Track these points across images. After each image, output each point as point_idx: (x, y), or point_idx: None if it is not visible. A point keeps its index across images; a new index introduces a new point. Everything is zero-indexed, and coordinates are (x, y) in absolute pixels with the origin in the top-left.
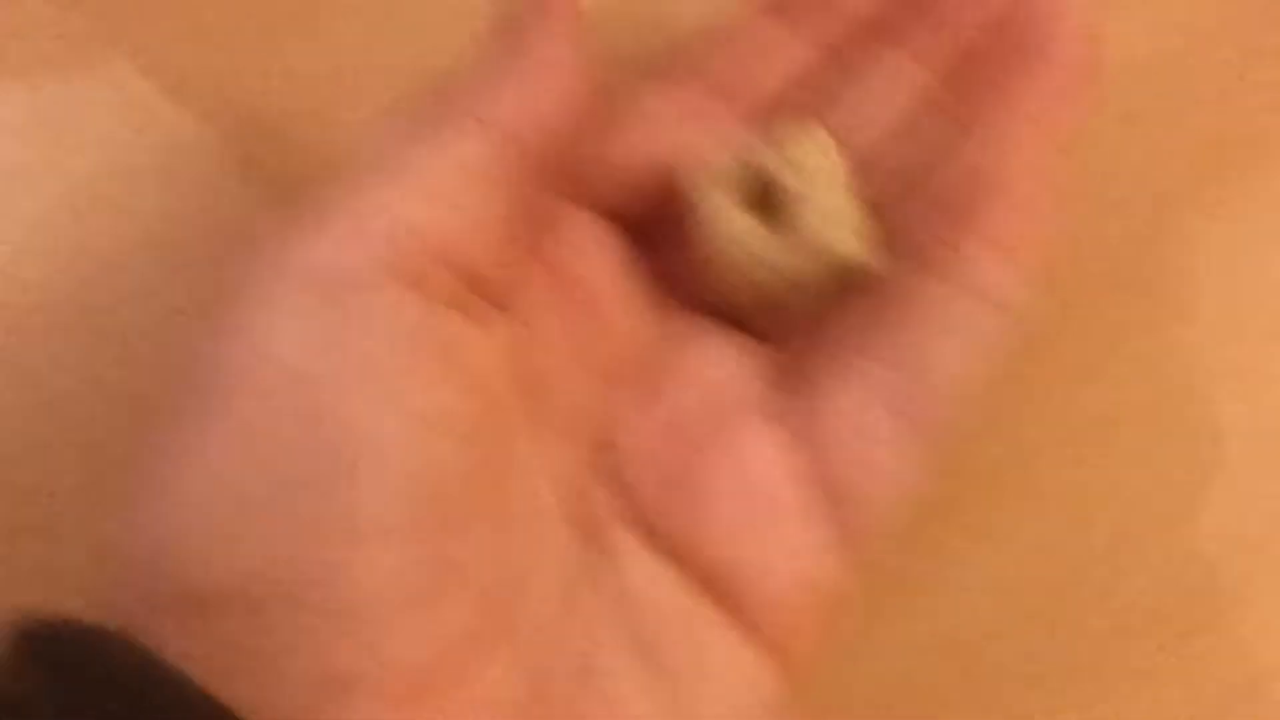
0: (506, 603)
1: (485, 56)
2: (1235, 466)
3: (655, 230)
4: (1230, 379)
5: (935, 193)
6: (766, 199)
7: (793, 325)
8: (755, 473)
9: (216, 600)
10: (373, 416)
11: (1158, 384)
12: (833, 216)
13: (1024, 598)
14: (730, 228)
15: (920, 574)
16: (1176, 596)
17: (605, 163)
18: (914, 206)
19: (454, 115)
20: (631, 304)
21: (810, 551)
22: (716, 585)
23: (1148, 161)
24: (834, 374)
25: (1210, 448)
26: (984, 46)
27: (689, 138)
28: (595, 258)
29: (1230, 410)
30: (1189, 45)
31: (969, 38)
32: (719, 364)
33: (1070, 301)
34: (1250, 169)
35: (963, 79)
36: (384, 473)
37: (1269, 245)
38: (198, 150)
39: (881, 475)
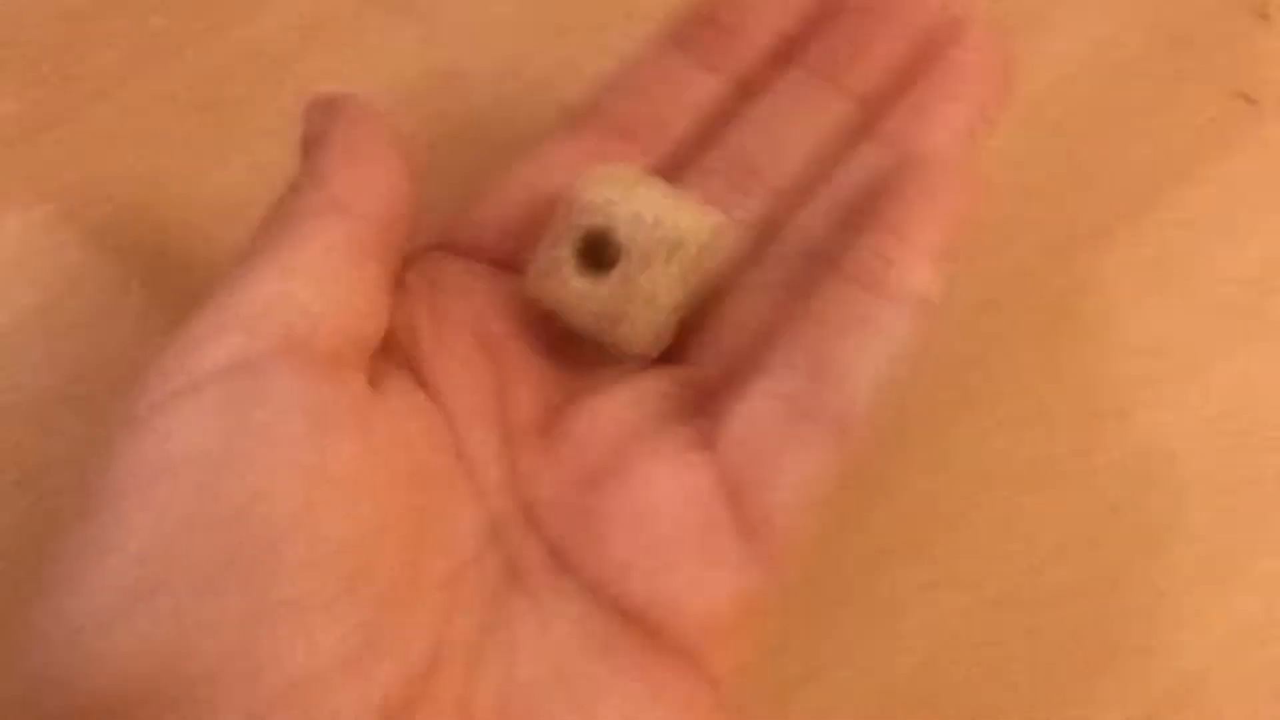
0: (435, 659)
1: (313, 156)
2: (1169, 490)
3: None
4: (1157, 405)
5: (844, 200)
6: (599, 242)
7: (697, 344)
8: (659, 501)
9: (137, 699)
10: (289, 493)
11: (1088, 417)
12: (646, 217)
13: (967, 636)
14: (582, 304)
15: (861, 616)
16: (1121, 624)
17: (497, 211)
18: (824, 219)
19: (309, 205)
20: (531, 351)
21: (722, 568)
22: (637, 618)
23: (1064, 194)
24: (741, 384)
25: (1144, 476)
26: (897, 65)
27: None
28: (491, 311)
29: (1160, 434)
30: (1103, 73)
31: (881, 57)
32: (620, 399)
33: (998, 339)
34: (1164, 192)
35: (877, 98)
36: (308, 547)
37: (1186, 267)
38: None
39: (789, 480)
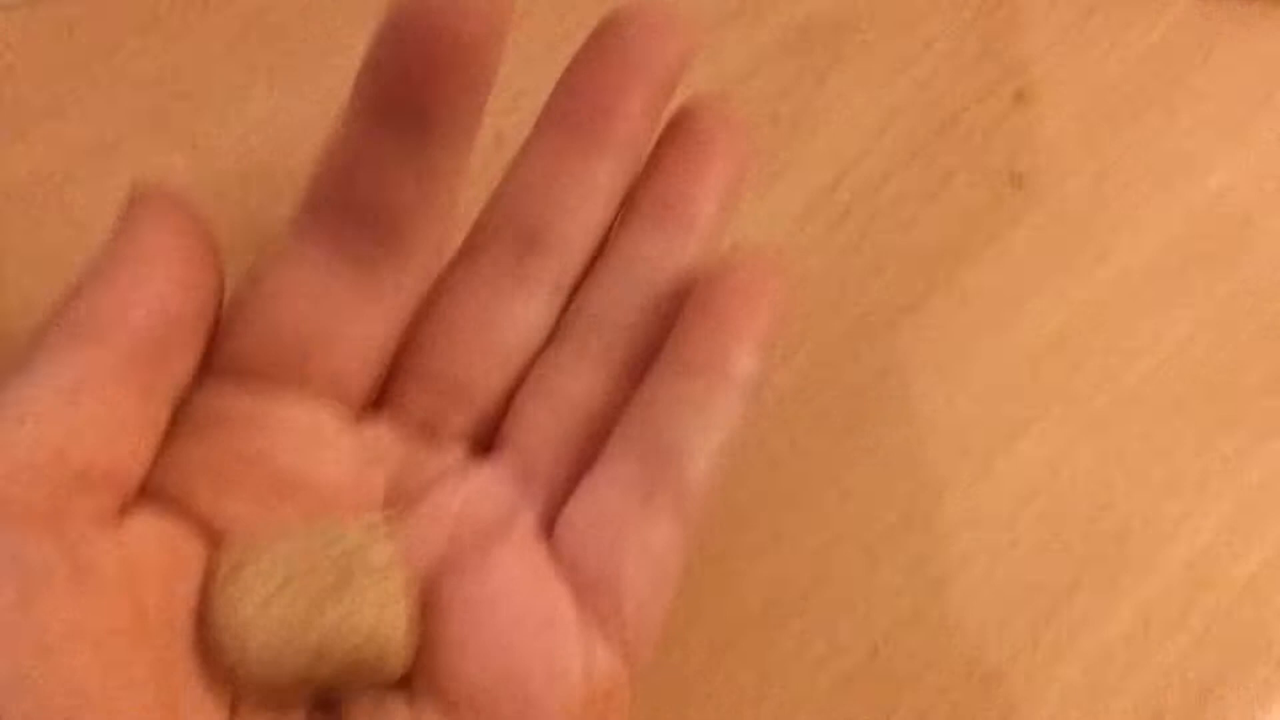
0: None
1: (93, 267)
2: (987, 568)
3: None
4: (968, 484)
5: (650, 284)
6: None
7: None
8: (498, 593)
9: None
10: (47, 677)
11: (904, 500)
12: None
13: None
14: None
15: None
16: (961, 705)
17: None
18: (629, 302)
19: (62, 334)
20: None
21: (571, 658)
22: (479, 712)
23: (854, 281)
24: (577, 470)
25: (963, 555)
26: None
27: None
28: (295, 435)
29: (973, 514)
30: (881, 159)
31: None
32: (449, 494)
33: (807, 431)
34: (948, 275)
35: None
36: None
37: (977, 347)
38: None
39: (635, 565)
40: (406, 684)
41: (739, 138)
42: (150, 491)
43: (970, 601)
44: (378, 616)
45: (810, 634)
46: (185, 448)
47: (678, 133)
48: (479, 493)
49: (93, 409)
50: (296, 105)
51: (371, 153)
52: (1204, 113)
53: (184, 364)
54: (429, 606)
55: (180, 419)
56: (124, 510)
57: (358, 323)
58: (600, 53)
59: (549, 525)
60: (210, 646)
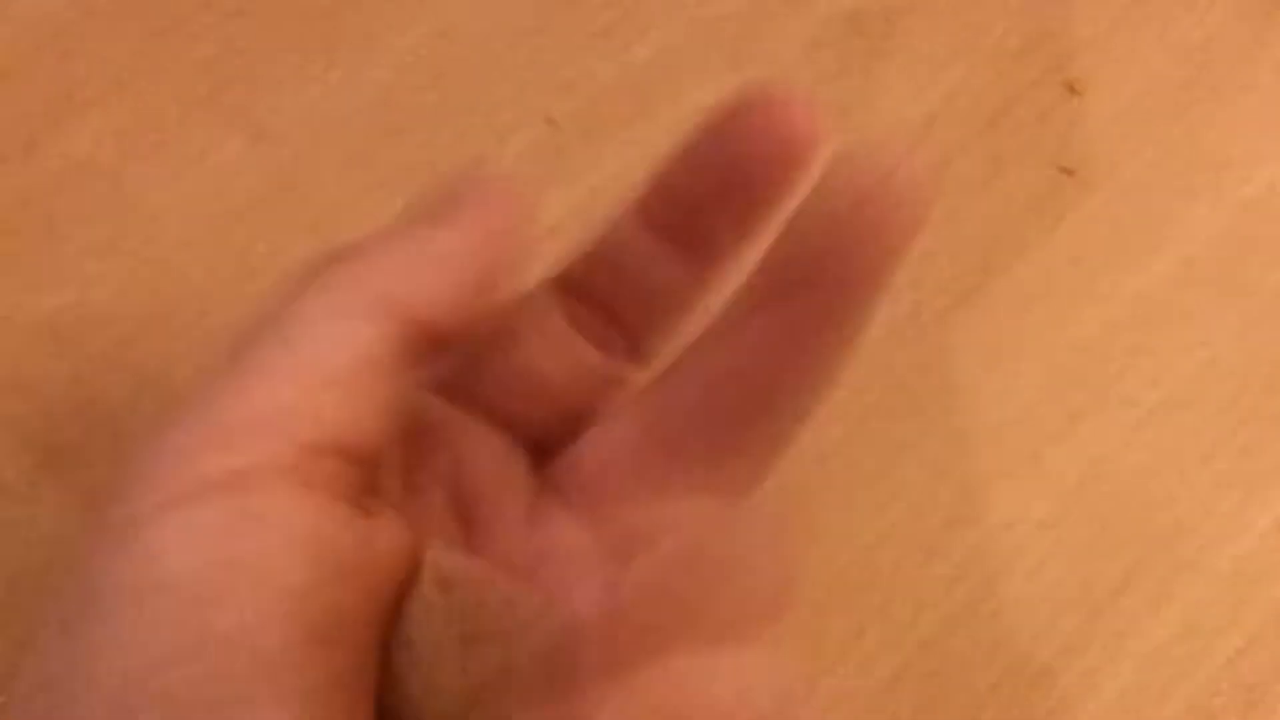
0: None
1: (400, 231)
2: (1033, 565)
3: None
4: (1015, 479)
5: None
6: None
7: None
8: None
9: None
10: (269, 632)
11: (953, 496)
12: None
13: None
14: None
15: None
16: (1009, 695)
17: (509, 374)
18: None
19: (361, 297)
20: (515, 520)
21: None
22: None
23: (901, 274)
24: None
25: (1009, 552)
26: None
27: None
28: (487, 472)
29: (1020, 510)
30: (929, 152)
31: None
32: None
33: (857, 424)
34: (998, 268)
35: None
36: (281, 692)
37: (1026, 340)
38: None
39: None
40: None
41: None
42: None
43: (1020, 599)
44: None
45: (859, 630)
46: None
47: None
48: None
49: (376, 391)
50: (355, 85)
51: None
52: (1256, 104)
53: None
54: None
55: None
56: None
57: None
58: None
59: None
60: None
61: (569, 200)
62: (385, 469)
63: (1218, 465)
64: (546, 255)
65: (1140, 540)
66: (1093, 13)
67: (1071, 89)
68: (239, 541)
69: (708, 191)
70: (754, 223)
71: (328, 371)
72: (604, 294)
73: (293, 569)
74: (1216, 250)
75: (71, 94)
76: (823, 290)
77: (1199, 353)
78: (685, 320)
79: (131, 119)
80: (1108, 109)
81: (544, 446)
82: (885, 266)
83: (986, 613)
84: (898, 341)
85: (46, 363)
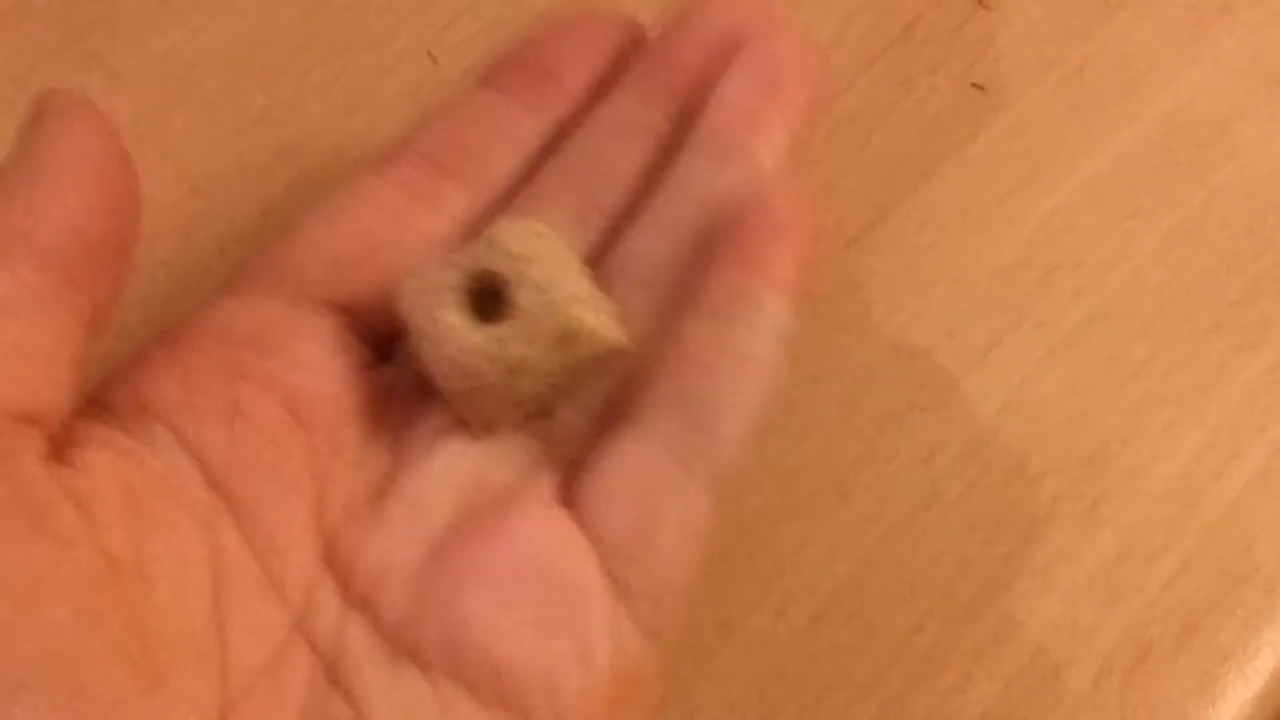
0: None
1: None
2: (963, 489)
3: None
4: (939, 405)
5: (687, 228)
6: (488, 296)
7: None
8: (522, 563)
9: None
10: None
11: (877, 421)
12: (556, 293)
13: (788, 661)
14: (449, 337)
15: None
16: (952, 623)
17: (322, 256)
18: (667, 248)
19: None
20: (361, 414)
21: (600, 635)
22: (499, 701)
23: (816, 195)
24: (615, 438)
25: (934, 478)
26: (711, 78)
27: (413, 222)
28: (304, 370)
29: (946, 434)
30: (835, 70)
31: (696, 75)
32: (469, 455)
33: None
34: (913, 187)
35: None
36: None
37: (946, 260)
38: None
39: (670, 538)
40: (425, 663)
41: (811, 64)
42: (103, 415)
43: (942, 533)
44: (521, 365)
45: (774, 572)
46: (169, 362)
47: (747, 59)
48: (496, 451)
49: (23, 333)
50: (222, 26)
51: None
52: (1173, 14)
53: (104, 287)
54: (450, 575)
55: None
56: (66, 445)
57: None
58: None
59: (568, 490)
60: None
61: None
62: (180, 400)
63: (1143, 384)
64: None
65: (1065, 465)
66: None
67: (980, 2)
68: None
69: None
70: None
71: None
72: (440, 155)
73: (19, 562)
74: (1134, 165)
75: None
76: None
77: (1119, 270)
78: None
79: None
80: (1020, 21)
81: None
82: None
83: (906, 549)
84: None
85: None
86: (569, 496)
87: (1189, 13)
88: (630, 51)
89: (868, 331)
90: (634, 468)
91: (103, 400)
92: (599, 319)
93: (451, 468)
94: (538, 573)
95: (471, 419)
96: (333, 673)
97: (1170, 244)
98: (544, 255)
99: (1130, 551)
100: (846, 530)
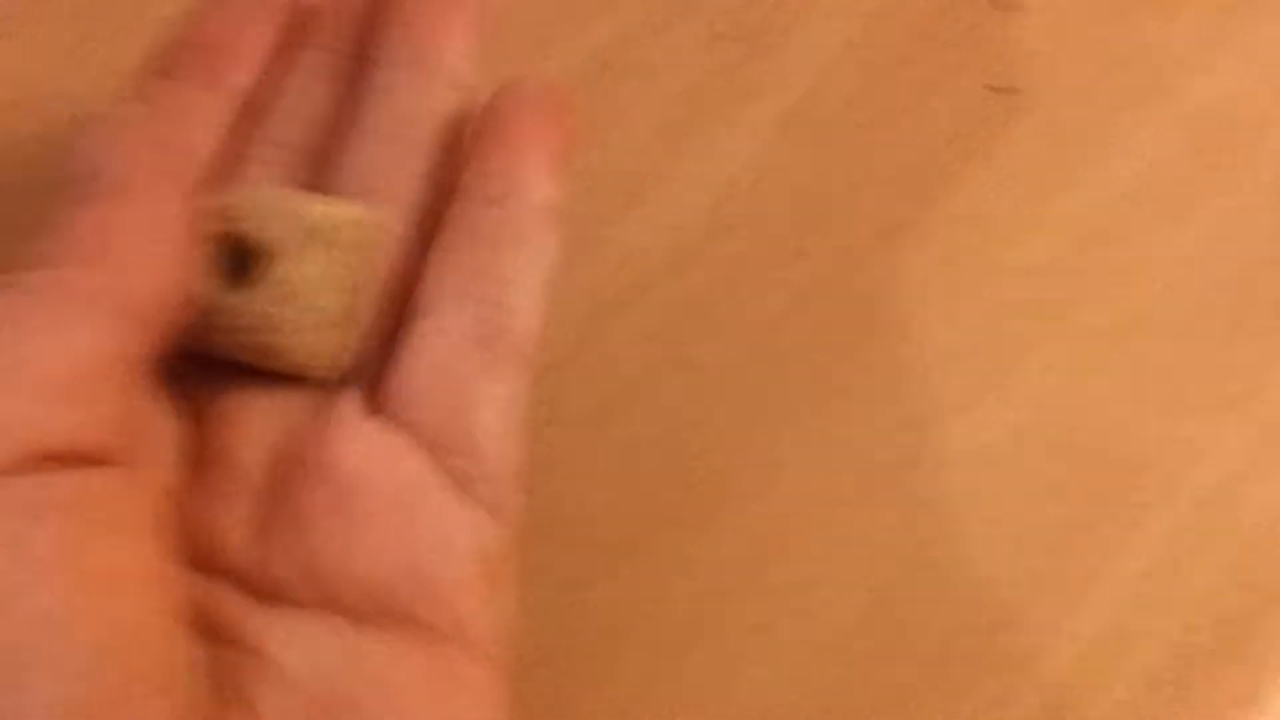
0: None
1: (74, 222)
2: (986, 497)
3: None
4: (964, 411)
5: (406, 137)
6: (237, 263)
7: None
8: (357, 480)
9: None
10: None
11: (903, 427)
12: (299, 211)
13: (809, 672)
14: (228, 301)
15: (699, 663)
16: (969, 637)
17: None
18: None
19: (65, 299)
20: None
21: (451, 526)
22: (382, 615)
23: (840, 199)
24: (409, 335)
25: (961, 485)
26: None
27: None
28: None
29: (971, 443)
30: (858, 74)
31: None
32: (272, 397)
33: (809, 350)
34: (938, 191)
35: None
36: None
37: (974, 264)
38: None
39: (487, 417)
40: (300, 604)
41: None
42: None
43: (977, 542)
44: (313, 290)
45: (804, 580)
46: None
47: None
48: (290, 401)
49: (90, 388)
50: None
51: None
52: (1203, 13)
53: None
54: (289, 518)
55: None
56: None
57: None
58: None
59: (375, 400)
60: None
61: None
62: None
63: (1181, 389)
64: None
65: (1103, 472)
66: None
67: (1001, 3)
68: None
69: None
70: None
71: (51, 382)
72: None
73: (53, 537)
74: (1164, 167)
75: None
76: None
77: (1154, 273)
78: None
79: None
80: (1041, 20)
81: None
82: None
83: (942, 557)
84: (830, 279)
85: None
86: (378, 404)
87: (1217, 11)
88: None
89: (899, 336)
90: (436, 359)
91: None
92: (342, 208)
93: (255, 421)
94: (369, 485)
95: (296, 371)
96: (221, 637)
97: (1206, 247)
98: (262, 195)
99: (1173, 560)
100: (881, 536)
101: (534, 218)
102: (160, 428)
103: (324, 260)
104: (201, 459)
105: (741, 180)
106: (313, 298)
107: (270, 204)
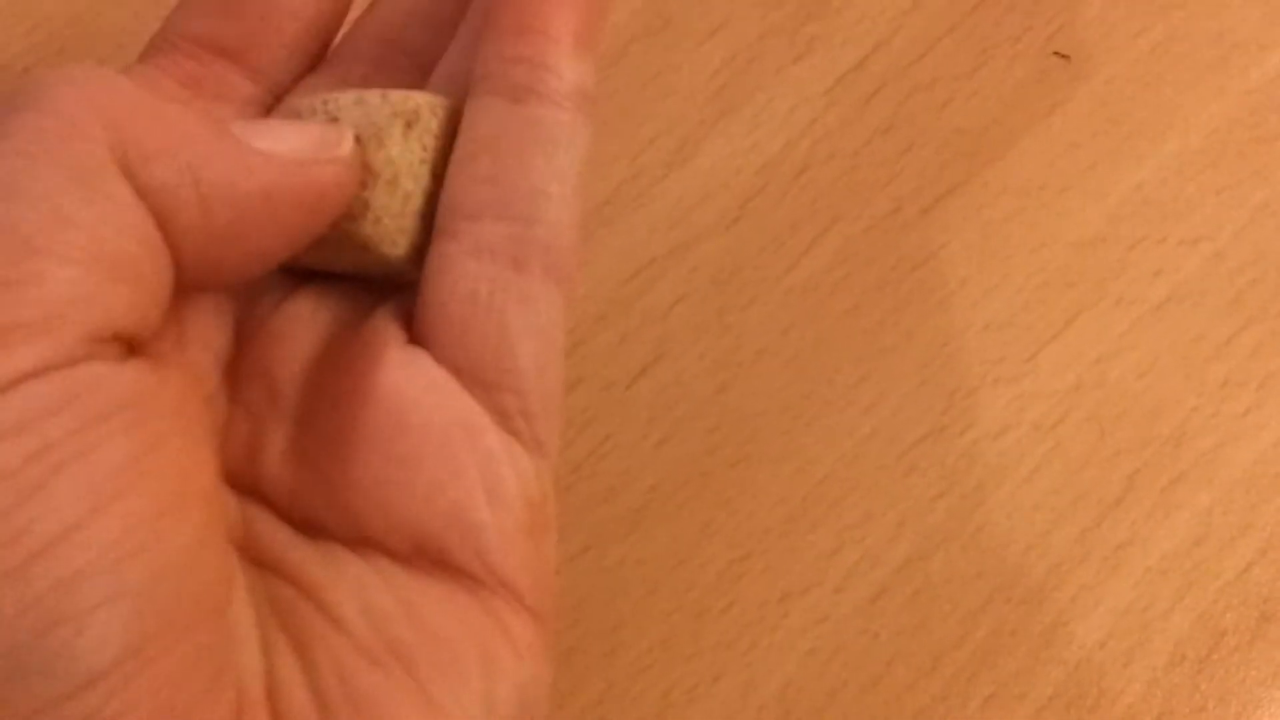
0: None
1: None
2: (1027, 469)
3: None
4: (1008, 382)
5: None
6: None
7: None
8: (400, 415)
9: None
10: (105, 527)
11: (945, 397)
12: (380, 103)
13: (841, 639)
14: None
15: (726, 630)
16: (1005, 608)
17: None
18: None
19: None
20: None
21: (498, 464)
22: (424, 558)
23: (889, 165)
24: (439, 258)
25: (1002, 456)
26: None
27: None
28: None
29: (1013, 412)
30: (913, 39)
31: None
32: (301, 310)
33: (846, 321)
34: (990, 158)
35: None
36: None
37: (1020, 234)
38: None
39: (529, 346)
40: (338, 540)
41: None
42: None
43: (1011, 512)
44: (394, 172)
45: (837, 547)
46: None
47: None
48: (319, 308)
49: (147, 279)
50: None
51: None
52: None
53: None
54: (328, 447)
55: None
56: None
57: None
58: None
59: (412, 329)
60: None
61: None
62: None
63: (1225, 365)
64: None
65: (1142, 446)
66: None
67: None
68: (56, 432)
69: None
70: None
71: (113, 260)
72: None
73: (122, 452)
74: (1221, 139)
75: None
76: None
77: (1203, 247)
78: None
79: None
80: None
81: None
82: None
83: (974, 527)
84: (878, 240)
85: None
86: (415, 334)
87: None
88: None
89: (941, 303)
90: (470, 285)
91: None
92: (420, 94)
93: (298, 336)
94: (417, 420)
95: (375, 256)
96: (264, 564)
97: (1257, 222)
98: (337, 93)
99: (1206, 536)
100: (912, 505)
101: (562, 111)
102: (199, 331)
103: (404, 143)
104: (237, 373)
105: (793, 142)
106: (396, 181)
107: (356, 94)
